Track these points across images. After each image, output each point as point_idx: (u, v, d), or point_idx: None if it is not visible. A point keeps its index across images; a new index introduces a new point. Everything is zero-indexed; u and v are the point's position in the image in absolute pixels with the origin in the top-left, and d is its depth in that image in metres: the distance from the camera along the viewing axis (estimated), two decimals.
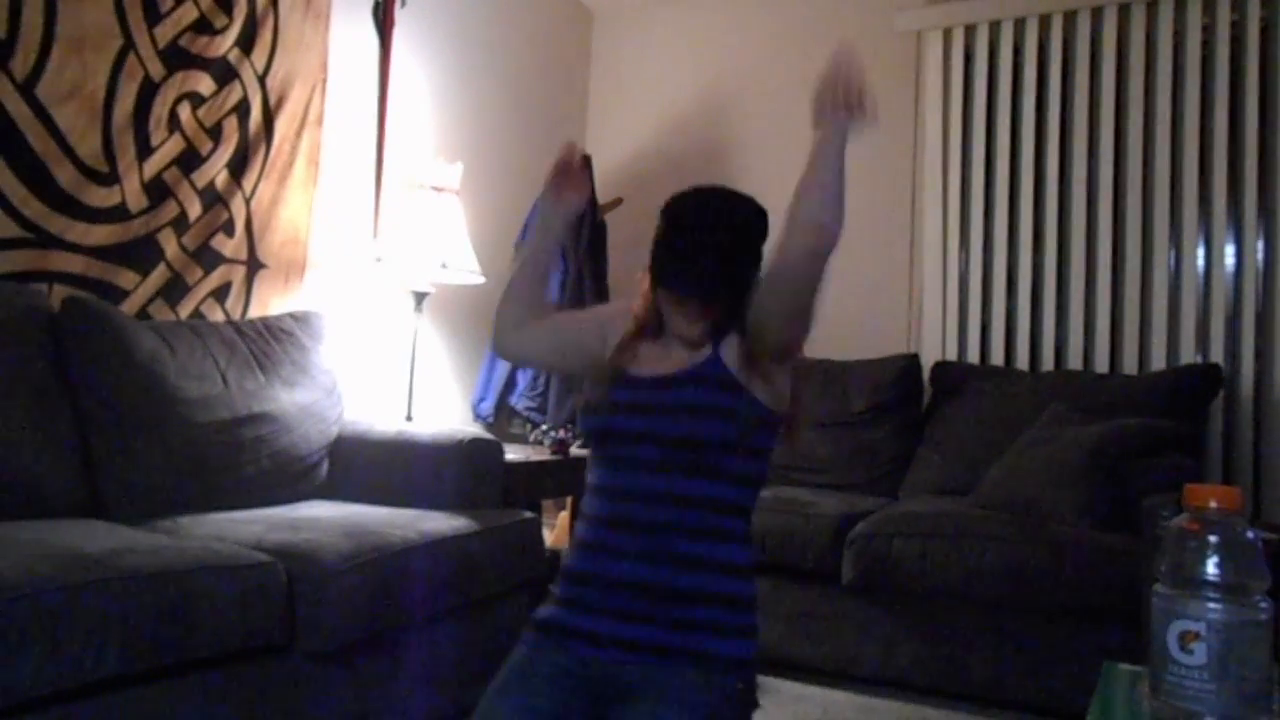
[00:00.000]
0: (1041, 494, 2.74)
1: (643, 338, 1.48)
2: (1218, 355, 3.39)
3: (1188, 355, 3.43)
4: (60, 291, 2.30)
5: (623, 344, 1.49)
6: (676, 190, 1.46)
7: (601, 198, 3.73)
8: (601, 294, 3.61)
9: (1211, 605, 0.94)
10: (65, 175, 2.33)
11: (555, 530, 3.63)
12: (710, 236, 1.39)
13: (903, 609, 2.76)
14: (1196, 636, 0.94)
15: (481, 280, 3.24)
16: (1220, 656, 0.93)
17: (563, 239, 1.60)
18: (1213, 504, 0.98)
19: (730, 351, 1.41)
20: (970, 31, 3.85)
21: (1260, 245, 3.39)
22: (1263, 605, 0.95)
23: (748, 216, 1.43)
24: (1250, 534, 0.97)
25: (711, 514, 1.37)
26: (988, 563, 2.60)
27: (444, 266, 3.04)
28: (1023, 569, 2.56)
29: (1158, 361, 3.47)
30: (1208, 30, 3.48)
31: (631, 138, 4.41)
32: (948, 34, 3.86)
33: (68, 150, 2.33)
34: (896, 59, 3.96)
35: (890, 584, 2.73)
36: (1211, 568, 0.95)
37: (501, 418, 3.61)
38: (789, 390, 1.47)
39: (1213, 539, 0.96)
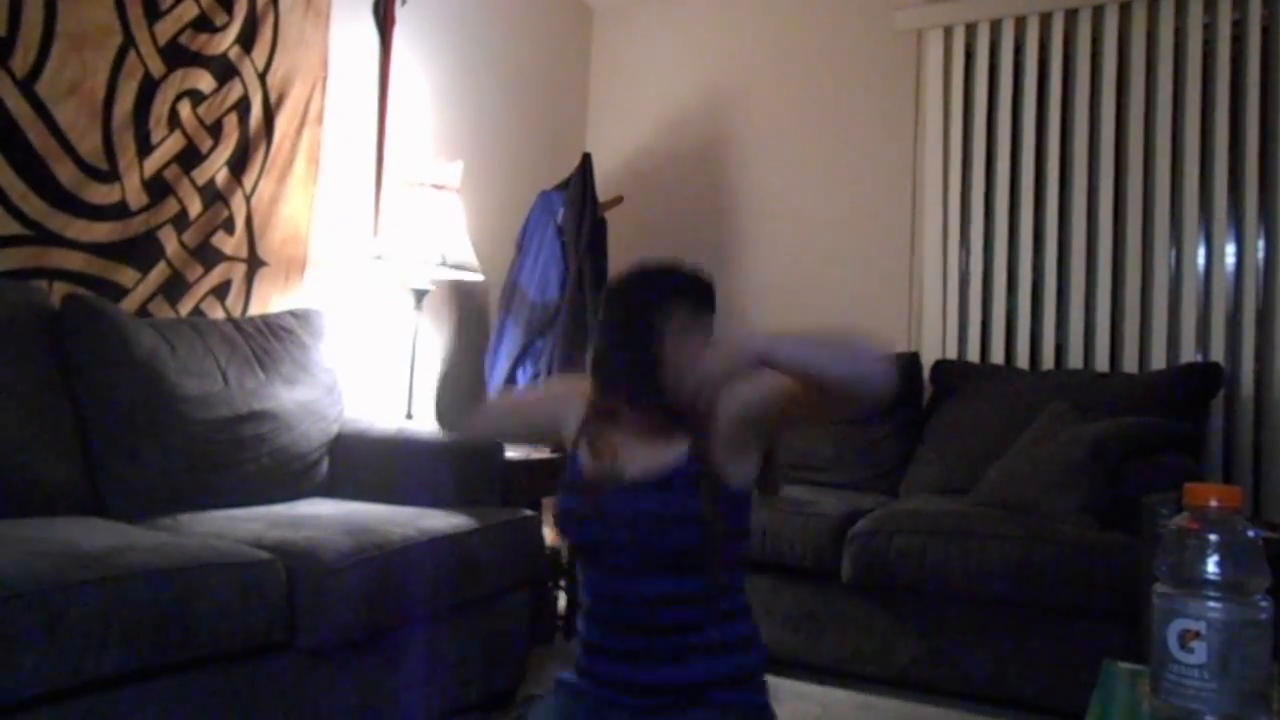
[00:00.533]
0: (1042, 493, 2.73)
1: (602, 423, 1.43)
2: (1218, 354, 3.39)
3: (1188, 354, 3.43)
4: (60, 289, 2.30)
5: (582, 431, 1.45)
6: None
7: (602, 196, 3.73)
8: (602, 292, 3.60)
9: (1212, 604, 0.94)
10: (65, 172, 2.33)
11: (555, 528, 3.63)
12: (629, 333, 1.36)
13: (902, 607, 2.76)
14: (1197, 635, 0.94)
15: (482, 278, 3.23)
16: (1220, 655, 0.93)
17: (484, 333, 1.55)
18: (1213, 503, 0.98)
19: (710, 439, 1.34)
20: (971, 30, 3.85)
21: (1261, 244, 3.38)
22: (1263, 604, 0.95)
23: (671, 296, 1.37)
24: (1250, 533, 0.97)
25: (701, 605, 1.34)
26: (988, 561, 2.60)
27: (444, 264, 3.03)
28: (1023, 567, 2.56)
29: (1158, 360, 3.47)
30: (1209, 29, 3.48)
31: (631, 135, 4.40)
32: (948, 32, 3.86)
33: (68, 147, 2.33)
34: (897, 58, 3.96)
35: (890, 582, 2.73)
36: (1212, 566, 0.95)
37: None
38: (759, 460, 1.40)
39: (1213, 538, 0.96)
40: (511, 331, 3.56)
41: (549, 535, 3.47)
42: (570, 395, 1.51)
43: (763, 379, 1.30)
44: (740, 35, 4.29)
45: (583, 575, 1.43)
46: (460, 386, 1.53)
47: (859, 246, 3.98)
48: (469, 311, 1.50)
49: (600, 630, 1.38)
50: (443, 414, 1.56)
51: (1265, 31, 3.39)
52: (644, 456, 1.36)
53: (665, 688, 1.32)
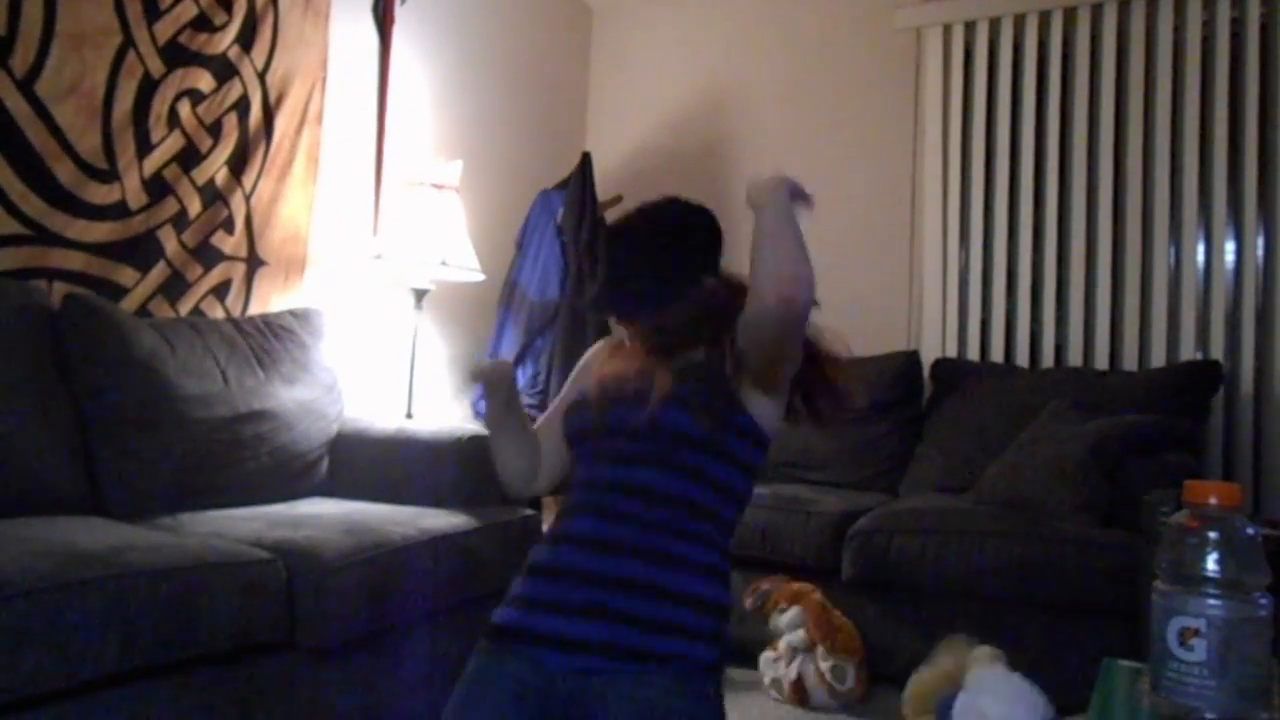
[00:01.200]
0: (1041, 490, 2.73)
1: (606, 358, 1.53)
2: (1218, 352, 3.39)
3: (1188, 352, 3.43)
4: (60, 289, 2.30)
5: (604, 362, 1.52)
6: (670, 191, 1.50)
7: (601, 195, 3.73)
8: None
9: (1211, 601, 0.94)
10: (65, 172, 2.32)
11: None
12: (635, 256, 1.44)
13: (902, 605, 2.76)
14: (1196, 633, 0.94)
15: (481, 278, 3.23)
16: (1220, 653, 0.93)
17: (511, 396, 1.55)
18: (1213, 500, 0.98)
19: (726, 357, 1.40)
20: (970, 28, 3.85)
21: (1260, 241, 3.38)
22: (1262, 601, 0.95)
23: (679, 225, 1.46)
24: (1250, 530, 0.97)
25: (688, 515, 1.33)
26: (988, 559, 2.60)
27: (444, 264, 3.03)
28: (1023, 565, 2.56)
29: (1158, 358, 3.47)
30: (1208, 27, 3.48)
31: (631, 134, 4.40)
32: (947, 30, 3.86)
33: (67, 147, 2.33)
34: (896, 56, 3.96)
35: (890, 580, 2.73)
36: (1211, 564, 0.95)
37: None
38: (776, 411, 1.43)
39: (1213, 535, 0.96)
40: (511, 331, 3.56)
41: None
42: (584, 365, 1.59)
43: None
44: (740, 34, 4.29)
45: (574, 474, 1.45)
46: (510, 448, 1.55)
47: (859, 245, 3.98)
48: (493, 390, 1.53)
49: (577, 520, 1.36)
50: (516, 483, 1.58)
51: (1264, 30, 3.39)
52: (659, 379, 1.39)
53: (615, 580, 1.28)
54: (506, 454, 1.55)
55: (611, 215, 3.76)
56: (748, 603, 2.73)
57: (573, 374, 1.64)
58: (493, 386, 1.51)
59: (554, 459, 1.56)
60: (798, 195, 1.40)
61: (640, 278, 1.43)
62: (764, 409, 1.40)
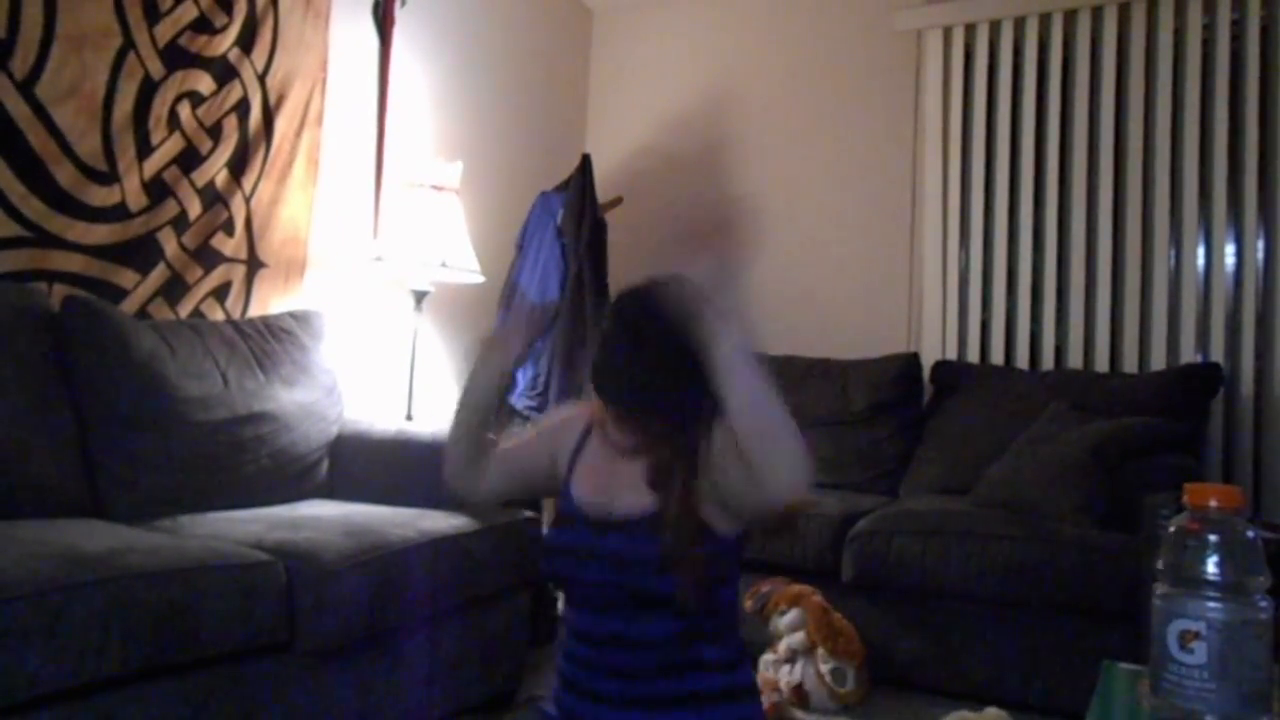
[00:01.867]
0: (1041, 493, 2.73)
1: (593, 444, 1.42)
2: (1218, 354, 3.38)
3: (1188, 354, 3.43)
4: (60, 291, 2.30)
5: (574, 458, 1.43)
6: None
7: (601, 197, 3.73)
8: (602, 292, 3.60)
9: (1211, 604, 0.94)
10: (65, 174, 2.32)
11: None
12: (646, 347, 1.30)
13: (903, 607, 2.76)
14: (1196, 636, 0.94)
15: (481, 279, 3.23)
16: (1220, 656, 0.93)
17: (496, 387, 1.52)
18: (1213, 503, 0.98)
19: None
20: (970, 30, 3.85)
21: (1260, 244, 3.38)
22: (1262, 604, 0.95)
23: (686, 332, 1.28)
24: (1250, 533, 0.97)
25: (679, 650, 1.30)
26: (988, 561, 2.60)
27: (444, 265, 3.03)
28: (1023, 568, 2.56)
29: (1158, 361, 3.47)
30: (1208, 29, 3.48)
31: (631, 136, 4.40)
32: (948, 33, 3.86)
33: (67, 149, 2.33)
34: (896, 58, 3.96)
35: (890, 582, 2.73)
36: (1211, 567, 0.95)
37: (501, 417, 3.60)
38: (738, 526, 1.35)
39: (1213, 538, 0.96)
40: None
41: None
42: (561, 426, 1.49)
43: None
44: (740, 36, 4.29)
45: (564, 613, 1.41)
46: (461, 437, 1.51)
47: (859, 247, 3.98)
48: (499, 366, 1.50)
49: (576, 668, 1.35)
50: (451, 469, 1.54)
51: (1264, 31, 3.39)
52: (630, 497, 1.32)
53: None
54: (459, 433, 1.51)
55: (613, 210, 3.76)
56: (748, 605, 2.73)
57: (545, 433, 1.53)
58: (498, 346, 1.50)
59: (502, 481, 1.53)
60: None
61: (655, 371, 1.31)
62: (726, 518, 1.32)
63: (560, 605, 3.28)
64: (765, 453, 1.14)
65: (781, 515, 1.37)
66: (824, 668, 2.57)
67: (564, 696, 1.36)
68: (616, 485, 1.35)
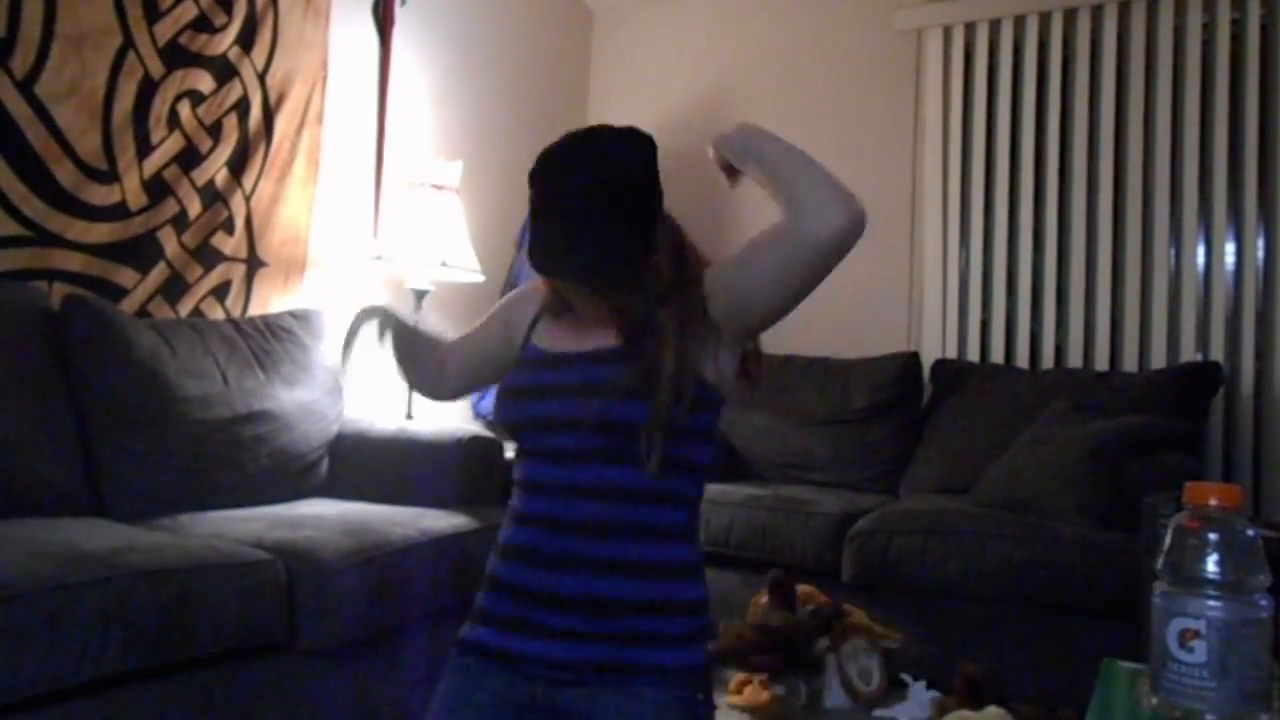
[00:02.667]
0: (1041, 492, 2.73)
1: (553, 316, 1.33)
2: (1218, 353, 3.39)
3: (1188, 353, 3.43)
4: (60, 289, 2.30)
5: (532, 324, 1.35)
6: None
7: None
8: None
9: (1211, 603, 0.94)
10: (65, 173, 2.33)
11: None
12: (579, 204, 1.16)
13: (902, 606, 2.76)
14: (1196, 634, 0.94)
15: (481, 279, 3.23)
16: (1220, 654, 0.93)
17: (411, 346, 1.52)
18: (1213, 501, 0.98)
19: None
20: (970, 29, 3.84)
21: (1260, 243, 3.38)
22: (1263, 603, 0.95)
23: (624, 163, 1.20)
24: (1250, 531, 0.96)
25: (646, 507, 1.21)
26: (987, 560, 2.60)
27: (444, 264, 3.03)
28: (1022, 567, 2.56)
29: (1158, 359, 3.47)
30: (1208, 29, 3.48)
31: None
32: (948, 32, 3.86)
33: (67, 148, 2.33)
34: (896, 57, 3.96)
35: (890, 582, 2.73)
36: (1211, 565, 0.95)
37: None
38: (734, 366, 1.28)
39: (1213, 537, 0.96)
40: None
41: None
42: (513, 302, 1.42)
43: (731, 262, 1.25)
44: (740, 35, 4.29)
45: (518, 467, 1.29)
46: (412, 359, 1.51)
47: (859, 246, 3.95)
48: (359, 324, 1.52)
49: (526, 531, 1.24)
50: (420, 388, 1.57)
51: (1264, 31, 3.39)
52: (601, 334, 1.24)
53: (583, 600, 1.18)
54: (409, 368, 1.54)
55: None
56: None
57: (499, 309, 1.46)
58: (383, 328, 1.49)
59: (464, 374, 1.51)
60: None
61: (599, 233, 1.17)
62: (722, 366, 1.26)
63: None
64: (810, 183, 1.20)
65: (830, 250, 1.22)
66: (850, 669, 2.52)
67: (502, 568, 1.26)
68: (584, 334, 1.27)
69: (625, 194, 1.18)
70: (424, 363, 1.51)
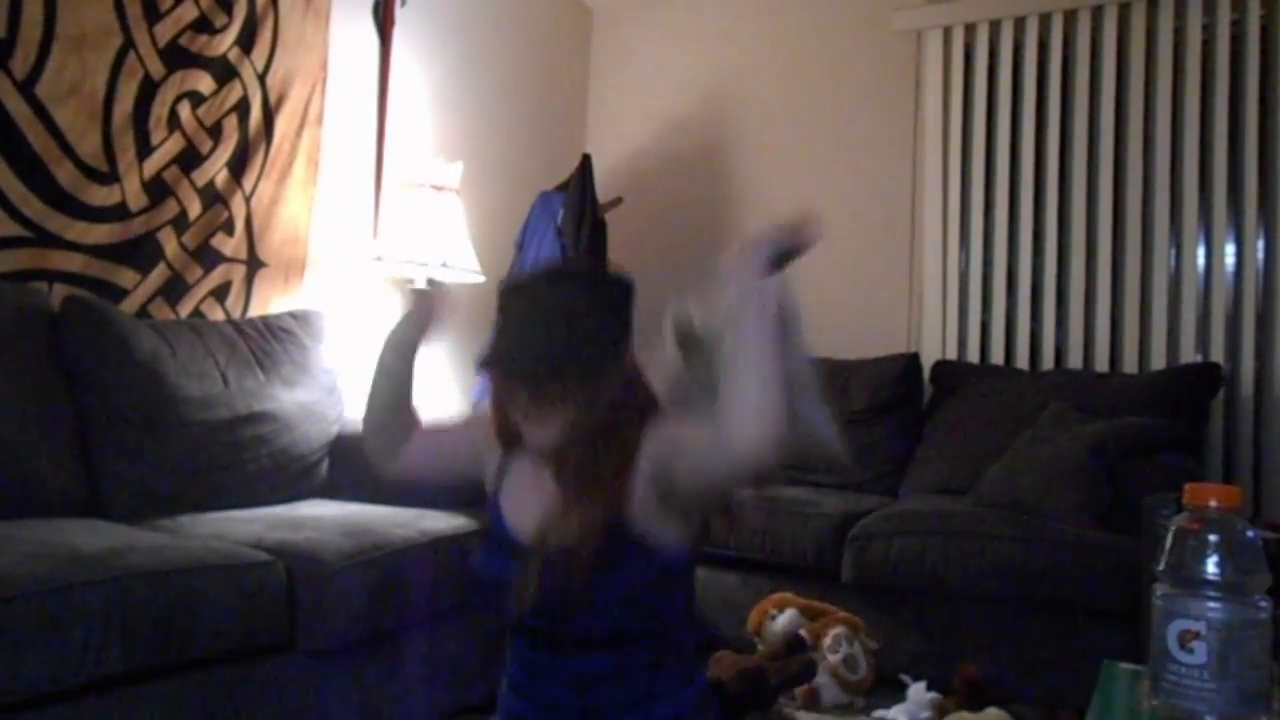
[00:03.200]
0: (1041, 493, 2.73)
1: (511, 458, 1.33)
2: (1218, 354, 3.38)
3: (1188, 354, 3.43)
4: (60, 290, 2.30)
5: (499, 473, 1.34)
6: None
7: (602, 196, 3.73)
8: None
9: (1211, 604, 0.94)
10: (65, 174, 2.32)
11: None
12: (538, 318, 1.21)
13: (903, 607, 2.76)
14: (1196, 635, 0.94)
15: (482, 279, 3.23)
16: (1220, 655, 0.93)
17: (413, 354, 1.42)
18: (1213, 503, 0.98)
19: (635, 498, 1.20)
20: (970, 30, 3.84)
21: (1260, 244, 3.38)
22: (1262, 604, 0.95)
23: (594, 283, 1.25)
24: (1250, 533, 0.97)
25: (621, 685, 1.23)
26: (987, 561, 2.60)
27: (444, 265, 3.03)
28: (1022, 568, 2.56)
29: (1158, 361, 3.47)
30: (1208, 30, 3.48)
31: (631, 136, 4.40)
32: (947, 33, 3.86)
33: (67, 149, 2.33)
34: (896, 58, 3.96)
35: (890, 583, 2.73)
36: (1211, 567, 0.95)
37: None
38: (695, 519, 1.26)
39: (1213, 538, 0.96)
40: None
41: None
42: (486, 433, 1.37)
43: (671, 434, 1.19)
44: (740, 36, 4.29)
45: (509, 645, 1.32)
46: (375, 415, 1.41)
47: (859, 247, 3.98)
48: (409, 319, 1.40)
49: (519, 704, 1.28)
50: (373, 451, 1.43)
51: (1264, 31, 3.39)
52: (570, 524, 1.20)
53: None
54: (375, 403, 1.41)
55: (613, 211, 3.76)
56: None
57: (466, 430, 1.48)
58: (424, 307, 1.40)
59: (425, 461, 1.45)
60: (785, 255, 1.16)
61: (544, 343, 1.19)
62: (685, 523, 1.24)
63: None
64: (744, 408, 1.06)
65: (736, 492, 1.22)
66: (833, 659, 2.55)
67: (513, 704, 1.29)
68: (550, 507, 1.23)
69: (580, 316, 1.19)
70: (400, 411, 1.42)
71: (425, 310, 1.41)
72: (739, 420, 1.06)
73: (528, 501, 1.27)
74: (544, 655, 1.25)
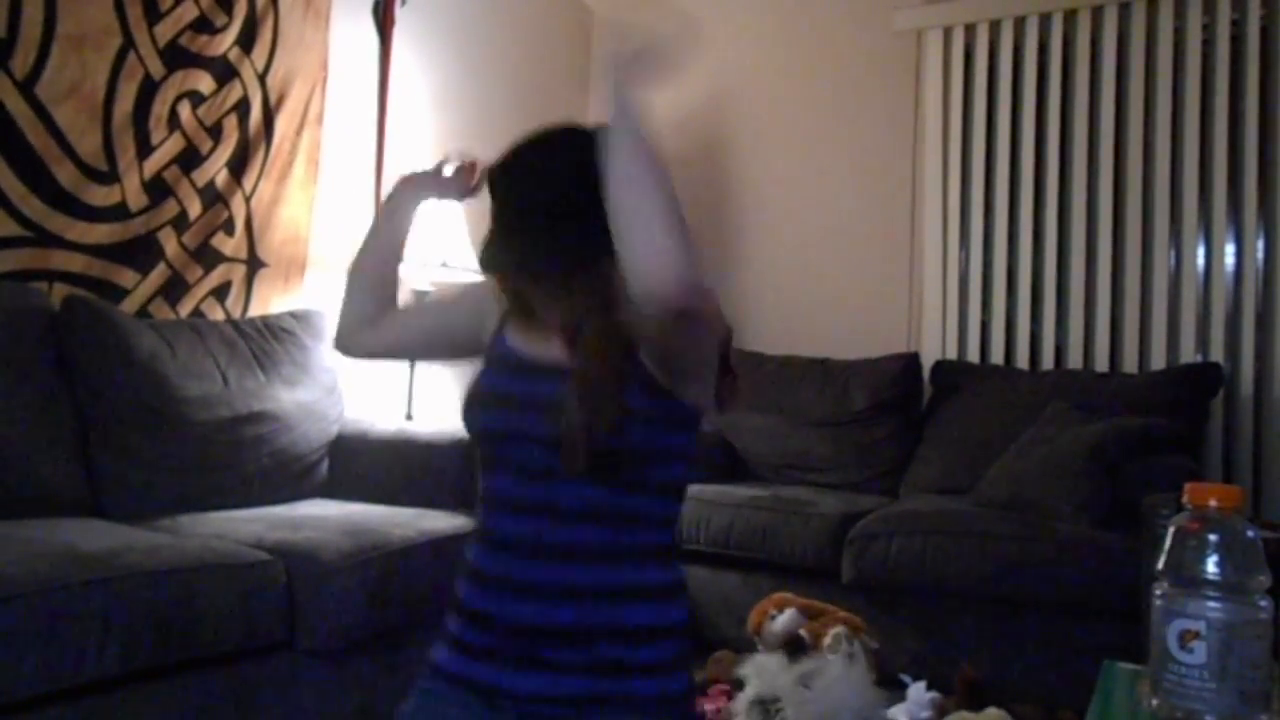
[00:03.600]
0: (1041, 492, 2.74)
1: (519, 320, 1.24)
2: (1218, 354, 3.39)
3: (1188, 354, 3.43)
4: (60, 290, 2.30)
5: (502, 321, 1.27)
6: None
7: None
8: None
9: (1211, 604, 0.94)
10: (65, 174, 2.33)
11: None
12: (522, 203, 1.16)
13: (902, 607, 2.76)
14: (1196, 635, 0.94)
15: (482, 279, 3.23)
16: (1220, 655, 0.93)
17: (407, 230, 1.40)
18: (1213, 502, 0.98)
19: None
20: (970, 31, 3.84)
21: (1260, 244, 3.38)
22: (1263, 604, 0.95)
23: (566, 161, 1.15)
24: (1250, 532, 0.97)
25: (626, 529, 1.14)
26: (988, 561, 2.60)
27: (445, 265, 3.03)
28: (1022, 567, 2.56)
29: (1158, 361, 3.47)
30: (1208, 29, 3.48)
31: None
32: (948, 33, 3.86)
33: (68, 149, 2.33)
34: (896, 58, 3.96)
35: (890, 583, 2.73)
36: (1211, 566, 0.95)
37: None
38: (713, 381, 1.17)
39: (1213, 538, 0.96)
40: None
41: None
42: (490, 292, 1.32)
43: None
44: (740, 36, 4.29)
45: (484, 479, 1.21)
46: (369, 283, 1.37)
47: (859, 247, 3.98)
48: (417, 199, 1.38)
49: (495, 556, 1.17)
50: (348, 319, 1.39)
51: (1264, 32, 3.39)
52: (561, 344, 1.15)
53: (552, 629, 1.12)
54: (362, 282, 1.38)
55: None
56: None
57: (469, 289, 1.39)
58: (421, 181, 1.38)
59: (402, 334, 1.41)
60: (647, 68, 1.09)
61: (535, 233, 1.14)
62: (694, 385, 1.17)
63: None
64: (633, 234, 0.98)
65: (675, 327, 1.05)
66: (833, 659, 2.54)
67: (469, 593, 1.18)
68: (551, 341, 1.18)
69: (567, 193, 1.13)
70: (385, 289, 1.39)
71: (443, 180, 1.41)
72: (636, 260, 0.97)
73: (540, 331, 1.21)
74: (534, 484, 1.15)
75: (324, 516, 2.20)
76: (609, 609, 1.13)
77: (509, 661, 1.13)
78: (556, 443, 1.09)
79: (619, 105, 1.04)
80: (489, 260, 1.19)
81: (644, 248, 0.97)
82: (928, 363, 3.70)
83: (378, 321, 1.38)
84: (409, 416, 3.14)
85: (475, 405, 1.21)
